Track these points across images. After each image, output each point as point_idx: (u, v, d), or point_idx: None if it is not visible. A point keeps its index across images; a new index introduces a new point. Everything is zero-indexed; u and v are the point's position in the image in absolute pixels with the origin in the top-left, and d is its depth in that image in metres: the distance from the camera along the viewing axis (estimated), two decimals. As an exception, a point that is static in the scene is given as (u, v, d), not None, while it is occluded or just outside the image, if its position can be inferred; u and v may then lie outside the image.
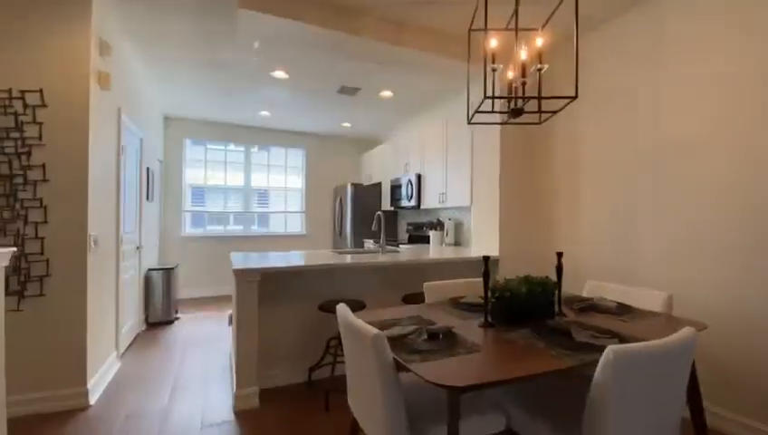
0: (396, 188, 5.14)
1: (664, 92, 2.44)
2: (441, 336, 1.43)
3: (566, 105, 1.70)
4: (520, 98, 1.77)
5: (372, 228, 3.66)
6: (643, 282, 2.51)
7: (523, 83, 1.75)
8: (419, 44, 3.01)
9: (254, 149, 6.05)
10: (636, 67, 2.61)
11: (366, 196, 5.70)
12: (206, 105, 4.88)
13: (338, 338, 2.56)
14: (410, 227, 5.31)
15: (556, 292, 1.78)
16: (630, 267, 2.62)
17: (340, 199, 5.98)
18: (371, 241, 5.31)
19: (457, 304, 2.00)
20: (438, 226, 4.50)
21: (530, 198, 3.42)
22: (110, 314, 2.96)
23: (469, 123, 1.94)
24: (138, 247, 3.81)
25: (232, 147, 5.91)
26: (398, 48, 2.96)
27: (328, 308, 2.46)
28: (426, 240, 4.91)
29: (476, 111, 1.81)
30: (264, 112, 5.13)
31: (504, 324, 1.67)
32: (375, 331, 1.18)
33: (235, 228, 5.92)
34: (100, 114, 2.61)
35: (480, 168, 3.56)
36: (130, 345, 3.51)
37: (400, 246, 4.48)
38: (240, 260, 2.67)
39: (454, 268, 3.37)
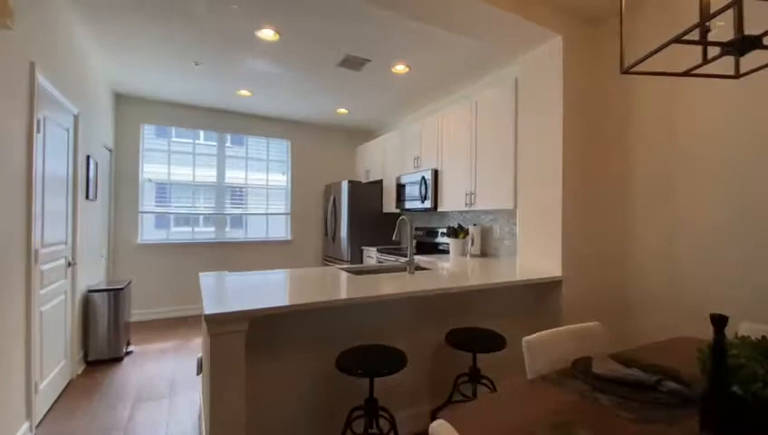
0: (403, 187, 4.30)
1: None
2: None
3: None
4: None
5: (393, 238, 2.82)
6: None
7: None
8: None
9: (230, 140, 5.05)
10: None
11: (365, 195, 4.84)
12: (169, 80, 3.88)
13: (364, 408, 1.70)
14: (420, 233, 4.50)
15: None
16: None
17: (334, 199, 5.09)
18: (374, 249, 4.45)
19: (603, 380, 1.19)
20: (461, 232, 3.71)
21: (601, 199, 2.67)
22: (16, 368, 1.97)
23: (626, 72, 1.14)
24: (70, 263, 2.79)
25: (202, 135, 4.89)
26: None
27: (350, 368, 1.60)
28: (437, 248, 4.11)
29: (650, 54, 1.01)
30: (244, 92, 4.17)
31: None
32: None
33: (205, 231, 4.90)
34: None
35: (529, 162, 2.78)
36: (56, 403, 2.51)
37: (415, 257, 3.65)
38: (212, 291, 1.76)
39: (505, 293, 2.58)
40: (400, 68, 3.48)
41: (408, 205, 4.22)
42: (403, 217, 2.56)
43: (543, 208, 2.66)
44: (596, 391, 1.15)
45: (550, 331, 1.41)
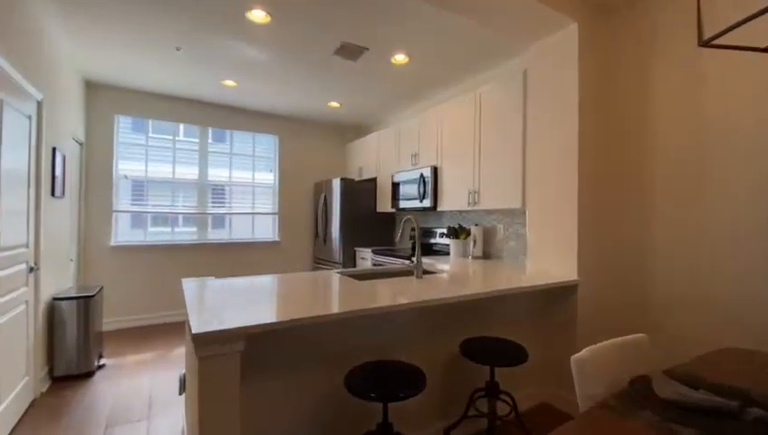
0: (399, 186, 4.10)
1: None
2: None
3: None
4: None
5: (395, 239, 2.61)
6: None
7: None
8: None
9: (213, 135, 4.73)
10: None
11: (358, 194, 4.61)
12: (146, 67, 3.56)
13: (382, 431, 1.49)
14: (412, 234, 4.29)
15: None
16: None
17: (325, 198, 4.84)
18: (368, 251, 4.23)
19: (674, 407, 1.01)
20: (461, 232, 3.53)
21: (619, 198, 2.52)
22: (-39, 397, 1.67)
23: (705, 45, 0.97)
24: (32, 269, 2.47)
25: (182, 129, 4.56)
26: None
27: (361, 391, 1.38)
28: (432, 250, 3.92)
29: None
30: (229, 82, 3.88)
31: None
32: None
33: (186, 232, 4.57)
34: None
35: (540, 159, 2.61)
36: (16, 428, 2.19)
37: (413, 258, 3.45)
38: (198, 302, 1.51)
39: (518, 298, 2.41)
40: (400, 58, 3.27)
41: (404, 204, 4.02)
42: (408, 216, 2.35)
43: (556, 208, 2.50)
44: (670, 421, 0.97)
45: (598, 346, 1.23)
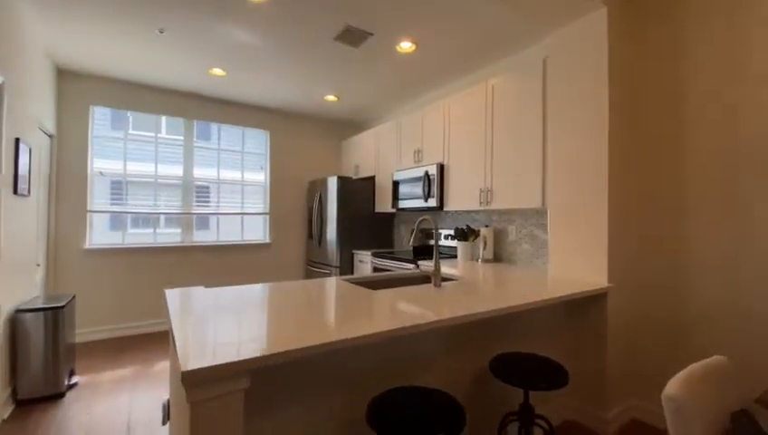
0: (400, 184, 3.85)
1: None
2: None
3: None
4: None
5: (409, 243, 2.37)
6: None
7: None
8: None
9: (199, 129, 4.40)
10: None
11: (355, 193, 4.34)
12: (126, 52, 3.22)
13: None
14: (418, 235, 4.06)
15: None
16: None
17: (320, 197, 4.56)
18: (367, 254, 3.97)
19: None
20: (470, 234, 3.30)
21: (652, 197, 2.33)
22: None
23: None
24: (-11, 277, 2.13)
25: (165, 122, 4.22)
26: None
27: (391, 428, 1.13)
28: (430, 252, 3.68)
29: None
30: (217, 70, 3.57)
31: None
32: None
33: (169, 233, 4.23)
34: None
35: (564, 156, 2.40)
36: (-37, 468, 1.86)
37: (420, 263, 3.21)
38: (186, 324, 1.23)
39: (544, 309, 2.19)
40: (406, 46, 3.02)
41: (406, 204, 3.77)
42: (425, 217, 2.10)
43: (583, 208, 2.29)
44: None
45: (686, 377, 1.00)
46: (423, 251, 3.96)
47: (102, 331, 3.79)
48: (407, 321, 1.31)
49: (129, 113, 3.98)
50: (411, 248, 4.22)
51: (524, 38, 2.91)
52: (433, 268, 2.03)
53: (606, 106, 2.18)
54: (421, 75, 3.64)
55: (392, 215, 4.69)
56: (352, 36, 2.87)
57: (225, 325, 1.21)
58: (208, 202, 4.44)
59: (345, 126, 5.44)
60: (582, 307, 2.29)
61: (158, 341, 3.74)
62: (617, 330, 2.22)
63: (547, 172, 2.56)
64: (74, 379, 2.83)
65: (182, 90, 4.13)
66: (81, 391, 2.67)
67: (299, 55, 3.21)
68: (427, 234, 3.96)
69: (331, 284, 2.03)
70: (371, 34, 2.85)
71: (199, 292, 1.75)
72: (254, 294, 1.73)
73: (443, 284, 2.07)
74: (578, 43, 2.33)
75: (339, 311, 1.44)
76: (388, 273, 2.47)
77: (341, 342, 1.11)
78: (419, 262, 3.22)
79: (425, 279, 2.58)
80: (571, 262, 2.36)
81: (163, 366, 3.13)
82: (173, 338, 1.09)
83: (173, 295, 1.66)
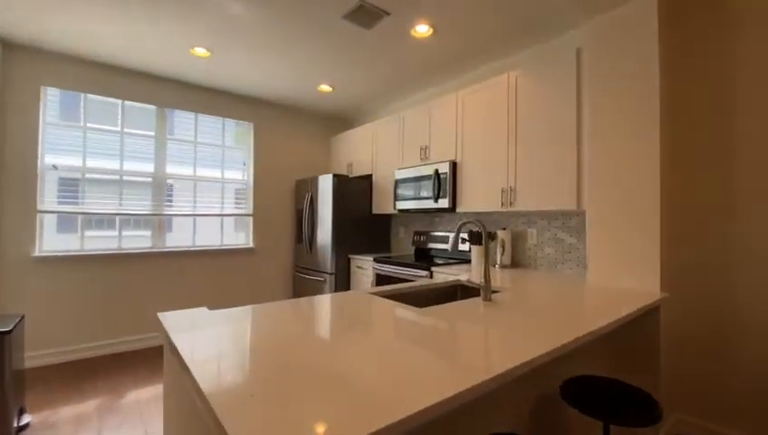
0: (405, 184, 3.55)
1: None
2: None
3: None
4: None
5: (450, 248, 2.09)
6: None
7: None
8: None
9: (174, 119, 3.88)
10: None
11: (352, 194, 4.00)
12: (87, 24, 2.71)
13: None
14: (421, 238, 3.78)
15: None
16: None
17: (311, 198, 4.16)
18: (367, 259, 3.63)
19: None
20: (489, 237, 3.05)
21: (707, 199, 2.17)
22: None
23: None
24: None
25: (135, 108, 3.67)
26: None
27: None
28: (431, 256, 3.42)
29: None
30: (200, 50, 3.11)
31: None
32: None
33: (137, 236, 3.68)
34: None
35: (604, 154, 2.20)
36: None
37: (434, 269, 2.93)
38: (209, 375, 0.87)
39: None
40: (422, 30, 2.73)
41: (410, 205, 3.48)
42: (469, 221, 1.82)
43: (630, 211, 2.09)
44: None
45: None
46: (421, 256, 3.69)
47: (58, 353, 3.20)
48: (517, 357, 1.01)
49: (89, 99, 3.41)
50: (413, 253, 3.93)
51: (554, 26, 2.70)
52: (482, 280, 1.74)
53: (657, 103, 1.99)
54: (434, 64, 3.34)
55: (389, 217, 4.38)
56: (365, 15, 2.54)
57: (278, 379, 0.86)
58: (187, 202, 3.92)
59: (334, 121, 5.07)
60: (634, 319, 2.09)
61: (126, 362, 3.21)
62: (669, 341, 2.04)
63: (583, 172, 2.36)
64: (25, 419, 2.29)
65: (155, 72, 3.60)
66: (34, 436, 2.16)
67: (299, 34, 2.83)
68: (430, 237, 3.68)
69: (366, 300, 1.69)
70: (387, 14, 2.53)
71: (204, 316, 1.36)
72: (281, 318, 1.37)
73: (492, 296, 1.79)
74: (622, 32, 2.13)
75: (429, 340, 1.12)
76: (415, 284, 2.16)
77: (501, 376, 0.80)
78: (433, 268, 2.93)
79: (456, 290, 2.29)
80: (615, 269, 2.15)
81: (136, 396, 2.64)
82: (218, 415, 0.73)
83: (173, 324, 1.27)
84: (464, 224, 1.86)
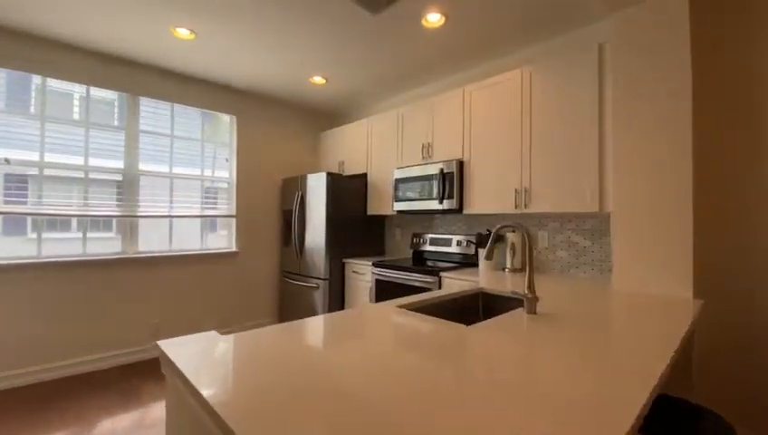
0: (404, 183, 3.36)
1: None
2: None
3: None
4: None
5: (485, 256, 1.92)
6: None
7: None
8: None
9: (147, 109, 3.48)
10: None
11: (346, 194, 3.75)
12: (50, -7, 2.32)
13: None
14: (420, 241, 3.60)
15: None
16: None
17: (301, 198, 3.88)
18: (365, 263, 3.41)
19: None
20: (496, 240, 2.92)
21: (745, 201, 2.11)
22: None
23: None
24: None
25: (102, 97, 3.26)
26: None
27: None
28: (424, 259, 3.26)
29: None
30: (183, 31, 2.77)
31: None
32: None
33: (103, 239, 3.27)
34: None
35: (629, 154, 2.10)
36: None
37: (443, 275, 2.75)
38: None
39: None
40: (434, 18, 2.54)
41: (410, 205, 3.29)
42: (508, 225, 1.65)
43: (660, 214, 2.00)
44: None
45: None
46: (421, 259, 3.52)
47: (12, 377, 2.76)
48: (629, 401, 0.84)
49: (48, 86, 2.97)
50: (411, 256, 3.75)
51: (575, 17, 2.56)
52: (525, 290, 1.58)
53: (689, 101, 1.90)
54: (442, 57, 3.15)
55: (383, 218, 4.17)
56: (376, -1, 2.32)
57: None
58: (162, 201, 3.53)
59: (321, 117, 4.79)
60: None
61: (94, 384, 2.82)
62: (705, 355, 1.97)
63: (605, 173, 2.26)
64: (-29, 464, 1.91)
65: (128, 56, 3.20)
66: (-15, 485, 1.79)
67: (298, 17, 2.57)
68: (430, 240, 3.51)
69: (401, 316, 1.48)
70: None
71: (223, 345, 1.11)
72: (310, 338, 1.13)
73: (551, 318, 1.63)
74: (651, 27, 2.04)
75: (510, 375, 0.92)
76: (438, 293, 1.97)
77: None
78: (442, 274, 2.76)
79: (477, 298, 2.12)
80: (643, 274, 2.06)
81: (111, 425, 2.28)
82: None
83: (184, 359, 1.01)
84: (503, 227, 1.69)
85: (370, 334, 1.24)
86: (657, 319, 1.49)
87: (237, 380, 0.87)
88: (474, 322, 2.10)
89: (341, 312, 1.53)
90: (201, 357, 1.01)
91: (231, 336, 1.20)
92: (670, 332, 1.31)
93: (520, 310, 1.61)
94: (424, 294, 1.95)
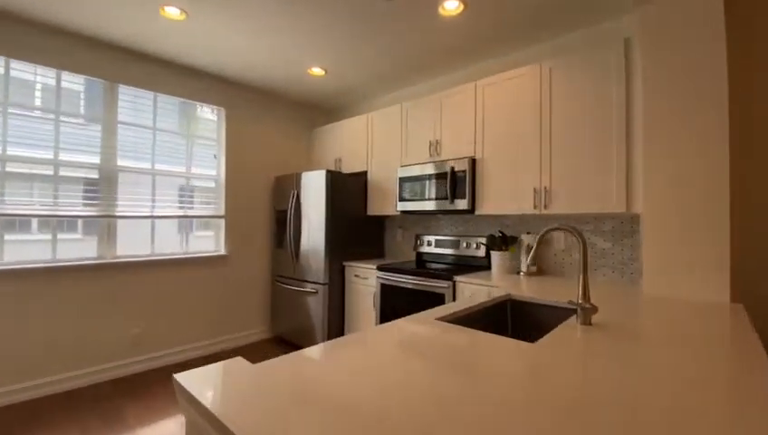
0: (409, 182, 3.19)
1: None
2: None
3: None
4: None
5: (529, 261, 1.81)
6: None
7: None
8: None
9: (126, 99, 3.14)
10: None
11: (346, 193, 3.54)
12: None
13: None
14: (424, 242, 3.43)
15: None
16: None
17: (297, 197, 3.64)
18: (368, 267, 3.21)
19: None
20: (510, 242, 2.80)
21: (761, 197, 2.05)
22: None
23: None
24: None
25: (75, 83, 2.91)
26: None
27: None
28: (424, 261, 3.12)
29: None
30: (172, 11, 2.48)
31: None
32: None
33: (75, 242, 2.92)
34: None
35: (658, 154, 2.02)
36: None
37: (457, 280, 2.60)
38: None
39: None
40: (452, 6, 2.38)
41: (416, 205, 3.12)
42: (558, 225, 1.51)
43: (694, 212, 1.92)
44: None
45: None
46: (423, 262, 3.36)
47: (-36, 403, 2.40)
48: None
49: (11, 70, 2.61)
50: (416, 256, 3.59)
51: (599, 8, 2.45)
52: (579, 298, 1.44)
53: (725, 99, 1.83)
54: (455, 48, 2.97)
55: (384, 218, 3.98)
56: (394, -20, 2.13)
57: None
58: (144, 201, 3.21)
59: (314, 111, 4.55)
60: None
61: (69, 407, 2.49)
62: (739, 357, 1.89)
63: (633, 172, 2.17)
64: None
65: (106, 37, 2.87)
66: None
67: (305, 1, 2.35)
68: (436, 242, 3.35)
69: (453, 333, 1.30)
70: (420, -19, 2.15)
71: (247, 378, 0.90)
72: (365, 362, 0.94)
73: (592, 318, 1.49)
74: (682, 21, 1.95)
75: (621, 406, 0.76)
76: (470, 304, 1.81)
77: None
78: (456, 278, 2.61)
79: (506, 306, 1.97)
80: (676, 277, 1.97)
81: (92, 458, 1.99)
82: None
83: (209, 395, 0.79)
84: (552, 230, 1.54)
85: (435, 355, 1.05)
86: (716, 326, 1.38)
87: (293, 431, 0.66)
88: (503, 332, 1.96)
89: (387, 325, 1.34)
90: (238, 398, 0.80)
91: (266, 364, 0.98)
92: (747, 339, 1.20)
93: (572, 321, 1.47)
94: (452, 304, 1.79)
